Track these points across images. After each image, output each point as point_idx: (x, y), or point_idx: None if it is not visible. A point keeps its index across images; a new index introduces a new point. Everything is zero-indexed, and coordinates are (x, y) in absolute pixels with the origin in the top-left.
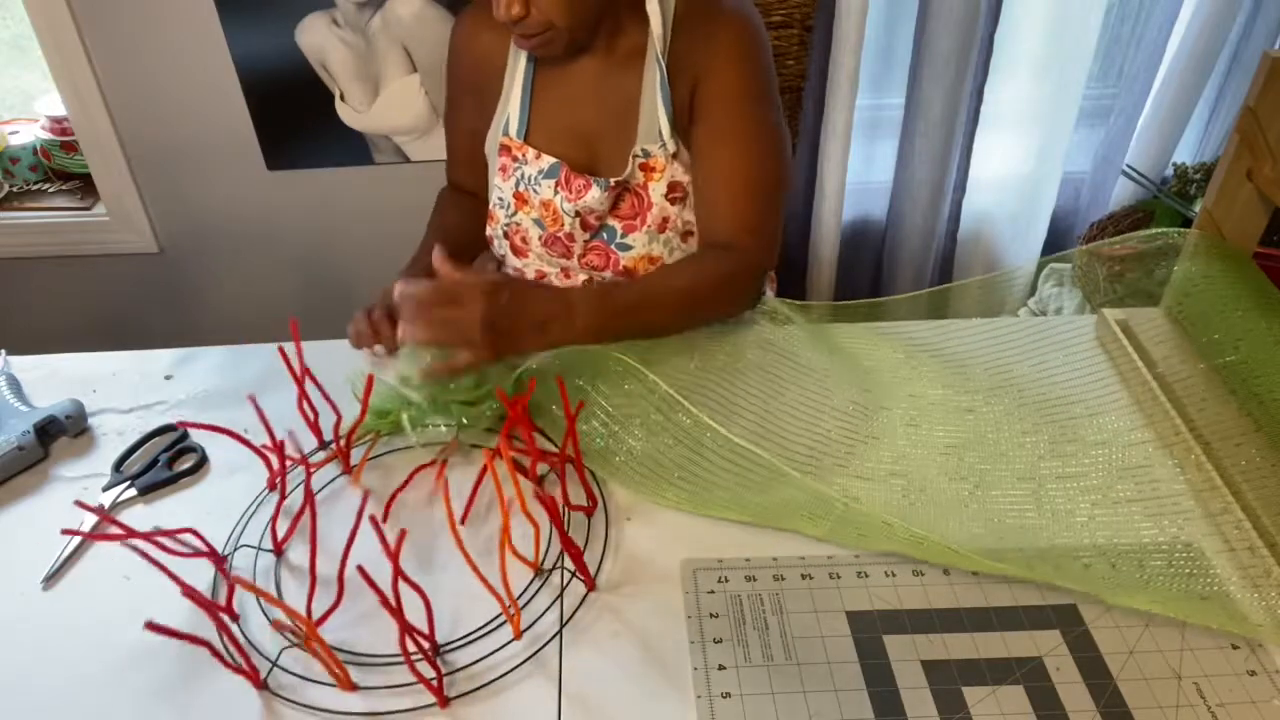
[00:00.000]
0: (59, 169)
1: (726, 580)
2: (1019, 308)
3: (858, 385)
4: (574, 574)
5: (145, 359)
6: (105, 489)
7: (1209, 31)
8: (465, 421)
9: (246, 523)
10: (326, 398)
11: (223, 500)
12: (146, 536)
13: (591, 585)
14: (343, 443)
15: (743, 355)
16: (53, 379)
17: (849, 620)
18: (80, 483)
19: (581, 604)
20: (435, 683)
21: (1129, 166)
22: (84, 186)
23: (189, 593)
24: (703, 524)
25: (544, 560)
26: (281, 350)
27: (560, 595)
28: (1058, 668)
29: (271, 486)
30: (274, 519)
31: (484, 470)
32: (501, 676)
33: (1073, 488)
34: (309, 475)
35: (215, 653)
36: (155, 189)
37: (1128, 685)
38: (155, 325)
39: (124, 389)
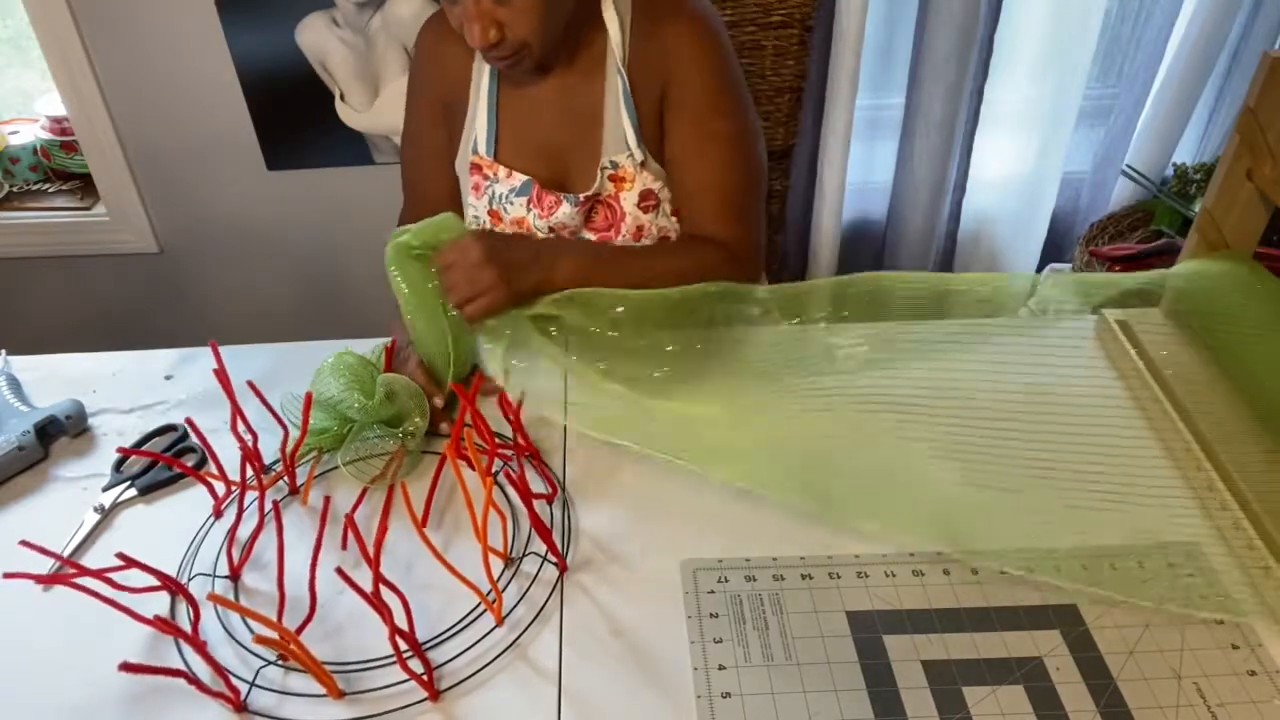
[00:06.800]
0: (59, 169)
1: (726, 580)
2: (1019, 308)
3: (855, 389)
4: (545, 557)
5: (145, 359)
6: (105, 489)
7: (1209, 31)
8: (410, 431)
9: (198, 549)
10: (273, 413)
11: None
12: (100, 575)
13: (564, 567)
14: (288, 461)
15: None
16: (53, 379)
17: (849, 620)
18: (80, 483)
19: (555, 586)
20: (425, 678)
21: (1129, 166)
22: (84, 186)
23: (160, 627)
24: (703, 524)
25: (512, 549)
26: (218, 375)
27: (549, 581)
28: (1058, 668)
29: (217, 514)
30: (229, 544)
31: (440, 465)
32: (489, 664)
33: (1072, 488)
34: (262, 495)
35: (193, 680)
36: (155, 189)
37: (1128, 685)
38: (155, 325)
39: (124, 389)
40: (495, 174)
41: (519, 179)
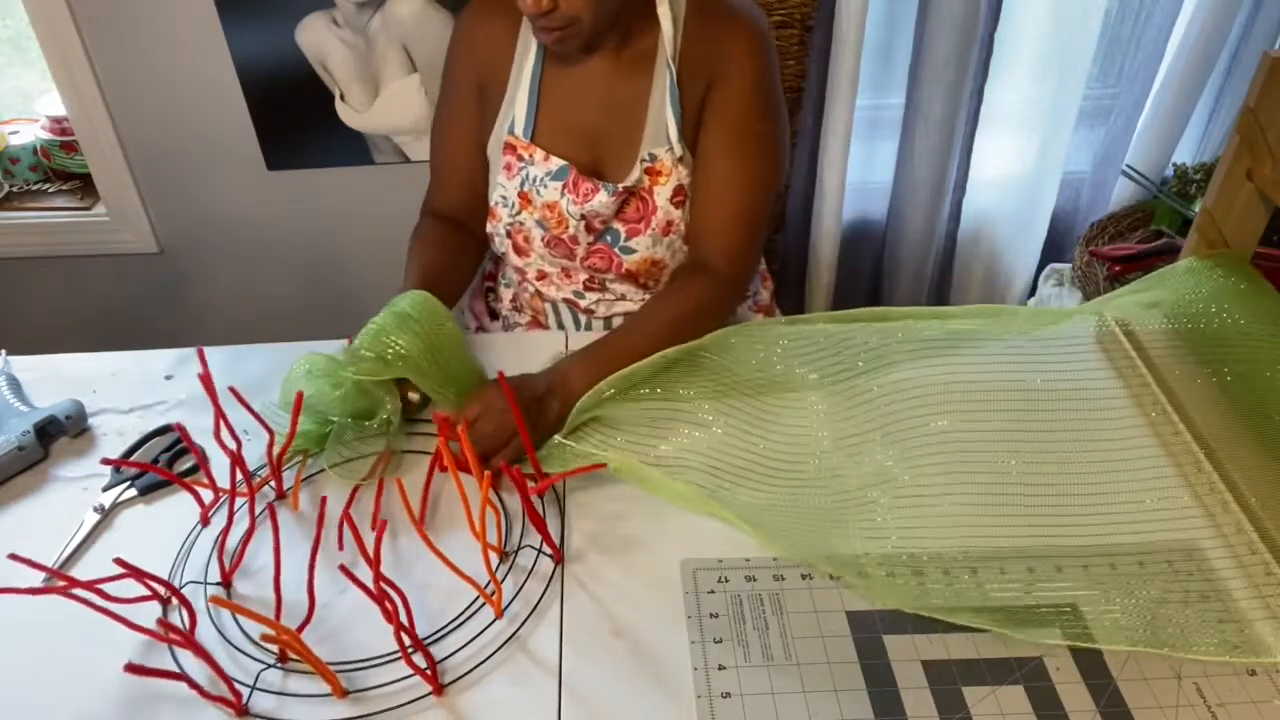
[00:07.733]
0: (59, 169)
1: (726, 580)
2: (1019, 308)
3: (853, 399)
4: (540, 549)
5: (145, 359)
6: (105, 489)
7: (1209, 31)
8: (386, 418)
9: (188, 556)
10: (258, 418)
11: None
12: (90, 586)
13: (559, 557)
14: (274, 465)
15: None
16: (53, 379)
17: (849, 620)
18: (80, 483)
19: (552, 578)
20: (429, 672)
21: (1129, 166)
22: (84, 186)
23: (160, 635)
24: (703, 524)
25: (506, 543)
26: (203, 379)
27: (546, 575)
28: (1058, 668)
29: (204, 522)
30: (219, 550)
31: (432, 465)
32: (489, 658)
33: (1072, 487)
34: (252, 500)
35: (194, 685)
36: (155, 189)
37: (1128, 685)
38: (155, 325)
39: (124, 389)
40: (531, 156)
41: (556, 163)
